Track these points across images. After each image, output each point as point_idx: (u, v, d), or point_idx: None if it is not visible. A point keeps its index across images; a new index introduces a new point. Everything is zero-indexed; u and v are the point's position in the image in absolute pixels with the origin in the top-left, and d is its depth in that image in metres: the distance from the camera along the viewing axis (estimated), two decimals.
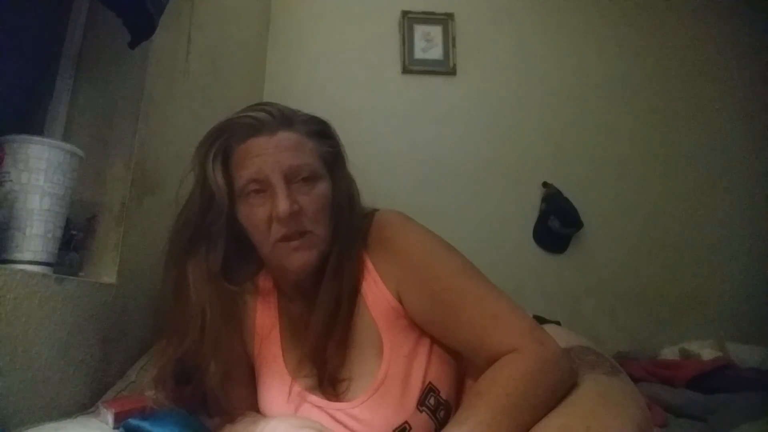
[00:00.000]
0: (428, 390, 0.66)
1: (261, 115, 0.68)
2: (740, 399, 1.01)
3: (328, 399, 0.67)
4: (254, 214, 0.65)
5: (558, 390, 0.56)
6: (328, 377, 0.67)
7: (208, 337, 0.66)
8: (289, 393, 0.69)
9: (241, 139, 0.67)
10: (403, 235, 0.69)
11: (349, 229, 0.70)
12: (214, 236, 0.68)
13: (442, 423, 0.66)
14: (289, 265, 0.66)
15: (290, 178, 0.65)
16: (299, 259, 0.65)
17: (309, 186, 0.67)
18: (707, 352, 1.42)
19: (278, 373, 0.71)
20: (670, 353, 1.53)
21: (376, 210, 0.74)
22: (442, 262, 0.67)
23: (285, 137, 0.67)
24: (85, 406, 0.77)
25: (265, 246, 0.66)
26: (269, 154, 0.65)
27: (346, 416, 0.66)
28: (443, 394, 0.67)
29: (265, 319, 0.75)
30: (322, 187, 0.68)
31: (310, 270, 0.67)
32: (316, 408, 0.67)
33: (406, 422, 0.65)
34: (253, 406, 0.73)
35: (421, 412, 0.65)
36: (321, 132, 0.72)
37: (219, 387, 0.67)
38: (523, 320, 0.62)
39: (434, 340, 0.68)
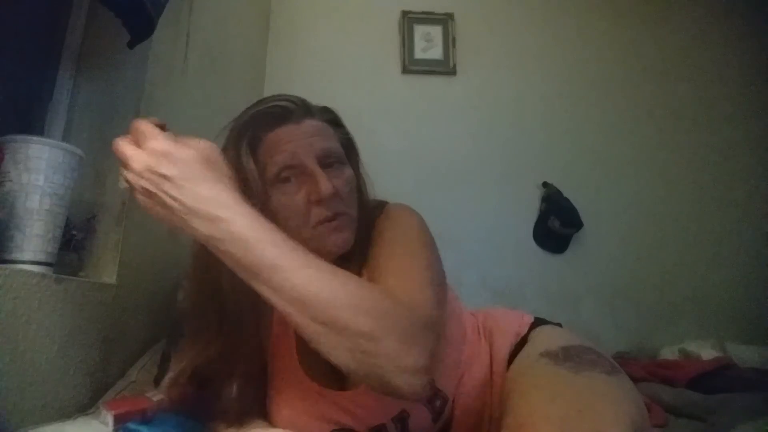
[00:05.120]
0: None
1: (285, 103, 0.69)
2: (740, 399, 1.01)
3: (332, 388, 0.68)
4: (292, 200, 0.65)
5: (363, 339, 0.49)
6: (334, 367, 0.67)
7: (238, 339, 0.65)
8: (299, 384, 0.69)
9: (269, 128, 0.68)
10: (393, 229, 0.69)
11: (369, 216, 0.71)
12: None
13: (437, 412, 0.68)
14: (330, 245, 0.66)
15: (322, 162, 0.66)
16: (340, 238, 0.66)
17: (338, 170, 0.69)
18: (707, 352, 1.42)
19: (291, 366, 0.71)
20: (670, 353, 1.53)
21: (386, 202, 0.75)
22: (405, 254, 0.64)
23: (311, 124, 0.69)
24: (85, 406, 0.77)
25: (303, 231, 0.65)
26: (301, 140, 0.66)
27: (350, 402, 0.67)
28: (438, 384, 0.68)
29: (282, 316, 0.75)
30: (349, 171, 0.71)
31: (347, 250, 0.67)
32: (322, 397, 0.68)
33: (404, 410, 0.67)
34: (262, 407, 0.73)
35: (417, 401, 0.67)
36: (335, 120, 0.75)
37: (240, 387, 0.67)
38: (426, 302, 0.57)
39: None
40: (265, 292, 0.50)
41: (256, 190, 0.64)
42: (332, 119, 0.75)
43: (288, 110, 0.69)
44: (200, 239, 0.50)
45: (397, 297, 0.55)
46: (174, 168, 0.48)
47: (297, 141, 0.66)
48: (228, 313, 0.65)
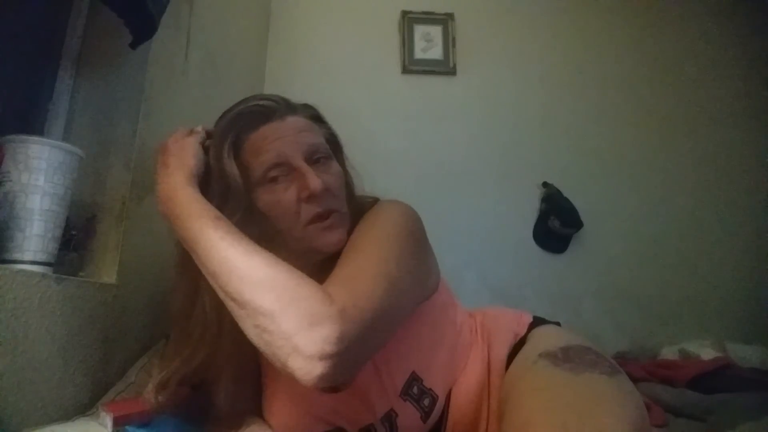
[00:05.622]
0: (411, 379, 0.67)
1: (267, 102, 0.68)
2: (740, 399, 1.01)
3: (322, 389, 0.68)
4: (282, 199, 0.64)
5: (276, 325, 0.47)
6: None
7: (225, 344, 0.64)
8: (292, 385, 0.68)
9: (253, 128, 0.67)
10: (370, 223, 0.66)
11: (360, 212, 0.70)
12: None
13: (426, 411, 0.67)
14: (322, 245, 0.64)
15: (309, 159, 0.66)
16: (333, 237, 0.65)
17: (326, 165, 0.68)
18: (707, 352, 1.42)
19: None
20: (670, 353, 1.53)
21: (378, 199, 0.74)
22: (367, 246, 0.61)
23: (295, 120, 0.68)
24: (85, 407, 0.77)
25: (294, 230, 0.65)
26: (286, 138, 0.66)
27: (339, 403, 0.67)
28: (426, 383, 0.68)
29: None
30: (337, 167, 0.70)
31: (340, 248, 0.64)
32: (313, 397, 0.68)
33: (391, 409, 0.66)
34: (257, 407, 0.73)
35: (404, 401, 0.66)
36: (318, 116, 0.75)
37: (230, 391, 0.67)
38: (366, 293, 0.53)
39: (417, 331, 0.68)
40: (199, 266, 0.55)
41: (239, 194, 0.63)
42: (315, 115, 0.74)
43: (270, 108, 0.68)
44: (163, 218, 0.60)
45: (333, 285, 0.52)
46: (162, 157, 0.64)
47: (282, 139, 0.65)
48: (212, 318, 0.63)
